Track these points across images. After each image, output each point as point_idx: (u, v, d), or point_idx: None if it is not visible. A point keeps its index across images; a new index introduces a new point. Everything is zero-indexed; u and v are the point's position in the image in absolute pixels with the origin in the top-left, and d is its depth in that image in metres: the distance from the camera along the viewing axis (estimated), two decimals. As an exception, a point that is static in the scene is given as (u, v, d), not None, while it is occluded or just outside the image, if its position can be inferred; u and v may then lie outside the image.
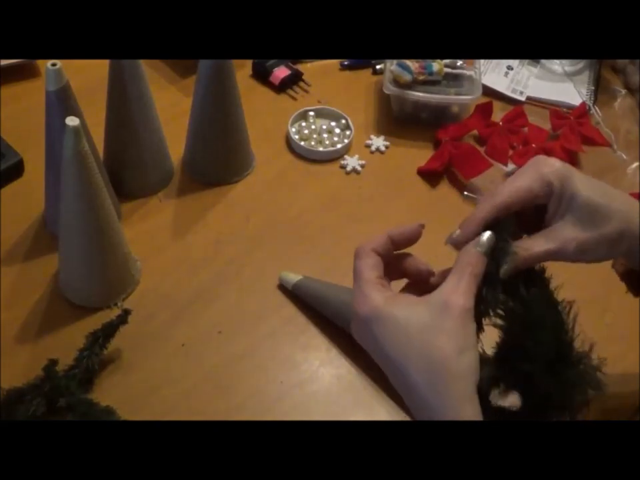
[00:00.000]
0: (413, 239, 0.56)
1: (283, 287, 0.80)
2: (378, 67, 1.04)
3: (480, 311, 0.54)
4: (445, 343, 0.50)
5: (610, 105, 1.03)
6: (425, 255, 0.58)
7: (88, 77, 0.86)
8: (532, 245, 0.55)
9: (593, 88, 1.04)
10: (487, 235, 0.55)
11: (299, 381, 0.73)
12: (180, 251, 0.83)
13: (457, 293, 0.51)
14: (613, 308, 0.80)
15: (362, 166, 0.92)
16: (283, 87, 1.00)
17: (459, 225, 0.56)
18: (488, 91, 1.00)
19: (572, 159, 0.93)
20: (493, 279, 0.54)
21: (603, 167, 0.94)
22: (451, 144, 0.92)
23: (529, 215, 0.58)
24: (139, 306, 0.75)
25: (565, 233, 0.56)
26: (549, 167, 0.56)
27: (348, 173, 0.92)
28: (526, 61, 1.08)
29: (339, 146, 0.93)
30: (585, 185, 0.56)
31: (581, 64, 1.07)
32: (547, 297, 0.56)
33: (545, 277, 0.57)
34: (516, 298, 0.55)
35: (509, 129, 0.96)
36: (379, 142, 0.95)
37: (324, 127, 0.96)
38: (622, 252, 0.58)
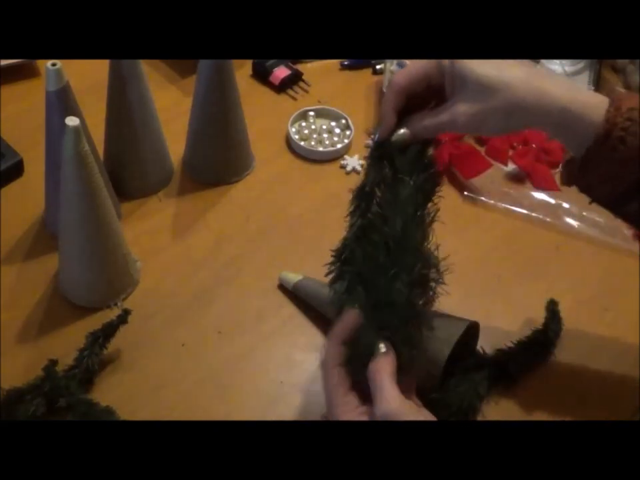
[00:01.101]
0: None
1: (283, 287, 0.80)
2: (378, 67, 1.04)
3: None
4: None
5: (610, 105, 1.03)
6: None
7: (88, 77, 0.86)
8: (425, 117, 0.62)
9: (593, 88, 1.04)
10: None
11: (299, 380, 0.73)
12: (180, 251, 0.83)
13: (383, 403, 0.55)
14: (613, 308, 0.80)
15: (362, 166, 0.92)
16: (283, 87, 1.00)
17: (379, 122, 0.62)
18: (488, 91, 1.00)
19: (572, 158, 0.93)
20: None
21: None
22: (450, 144, 0.92)
23: (431, 100, 0.63)
24: (139, 306, 0.75)
25: (455, 107, 0.61)
26: None
27: (348, 173, 0.92)
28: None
29: (339, 146, 0.93)
30: (474, 62, 0.61)
31: (581, 64, 1.07)
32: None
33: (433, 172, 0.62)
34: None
35: (509, 129, 0.96)
36: (378, 142, 0.95)
37: (324, 127, 0.96)
38: (518, 126, 0.61)
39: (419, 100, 0.63)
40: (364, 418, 0.57)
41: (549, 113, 0.60)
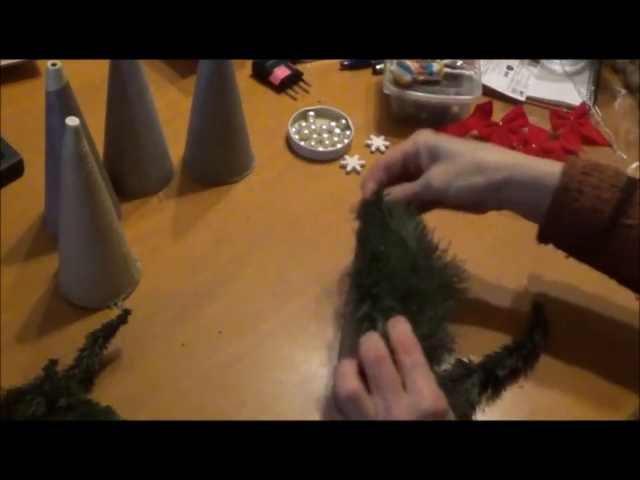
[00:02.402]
0: None
1: (282, 287, 0.80)
2: (378, 67, 1.04)
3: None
4: None
5: (610, 104, 1.03)
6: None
7: (88, 77, 0.86)
8: (405, 187, 0.71)
9: (593, 88, 1.04)
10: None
11: (299, 381, 0.73)
12: (180, 251, 0.83)
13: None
14: (613, 308, 0.80)
15: (362, 166, 0.92)
16: (283, 87, 1.00)
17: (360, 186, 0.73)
18: (488, 91, 1.00)
19: (572, 158, 0.93)
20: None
21: (603, 166, 0.95)
22: (451, 144, 0.92)
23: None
24: (139, 306, 0.75)
25: (429, 171, 0.70)
26: (420, 134, 0.73)
27: (348, 173, 0.92)
28: (526, 61, 1.07)
29: (339, 146, 0.93)
30: (439, 138, 0.72)
31: (581, 64, 1.07)
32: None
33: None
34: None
35: (509, 129, 0.96)
36: (378, 142, 0.95)
37: (324, 127, 0.96)
38: (483, 186, 0.69)
39: (403, 179, 0.73)
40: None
41: (514, 171, 0.68)
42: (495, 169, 0.68)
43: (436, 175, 0.69)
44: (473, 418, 0.70)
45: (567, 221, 0.67)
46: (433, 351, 0.60)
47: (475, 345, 0.74)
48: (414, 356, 0.55)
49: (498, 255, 0.84)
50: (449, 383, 0.70)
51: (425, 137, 0.72)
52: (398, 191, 0.71)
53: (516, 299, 0.80)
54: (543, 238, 0.71)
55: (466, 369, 0.71)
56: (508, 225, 0.87)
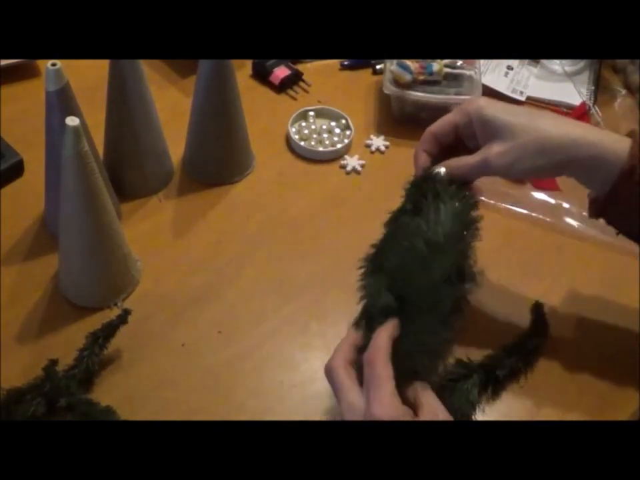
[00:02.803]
0: None
1: (282, 287, 0.80)
2: (378, 67, 1.04)
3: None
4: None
5: (610, 104, 1.03)
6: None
7: (88, 77, 0.86)
8: (461, 158, 0.67)
9: (593, 88, 1.04)
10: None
11: (299, 381, 0.73)
12: (180, 251, 0.83)
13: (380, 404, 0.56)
14: (613, 308, 0.80)
15: (362, 166, 0.92)
16: (283, 87, 1.00)
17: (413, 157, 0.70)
18: (488, 91, 1.00)
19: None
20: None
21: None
22: (451, 144, 0.92)
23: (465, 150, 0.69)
24: (139, 306, 0.75)
25: (488, 147, 0.66)
26: (471, 101, 0.68)
27: (348, 173, 0.92)
28: (526, 61, 1.07)
29: (339, 146, 0.93)
30: (502, 109, 0.67)
31: (581, 64, 1.07)
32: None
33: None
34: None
35: (509, 129, 0.95)
36: (378, 142, 0.95)
37: (324, 126, 0.96)
38: (548, 165, 0.65)
39: (454, 150, 0.69)
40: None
41: (578, 149, 0.64)
42: (558, 147, 0.64)
43: (496, 155, 0.65)
44: (473, 418, 0.70)
45: (629, 204, 0.64)
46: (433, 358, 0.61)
47: (475, 345, 0.74)
48: (374, 369, 0.57)
49: (499, 255, 0.84)
50: (448, 383, 0.70)
51: (476, 107, 0.67)
52: (454, 165, 0.67)
53: (516, 299, 0.80)
54: (596, 214, 0.69)
55: (466, 369, 0.71)
56: (508, 225, 0.87)
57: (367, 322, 0.62)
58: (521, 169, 0.65)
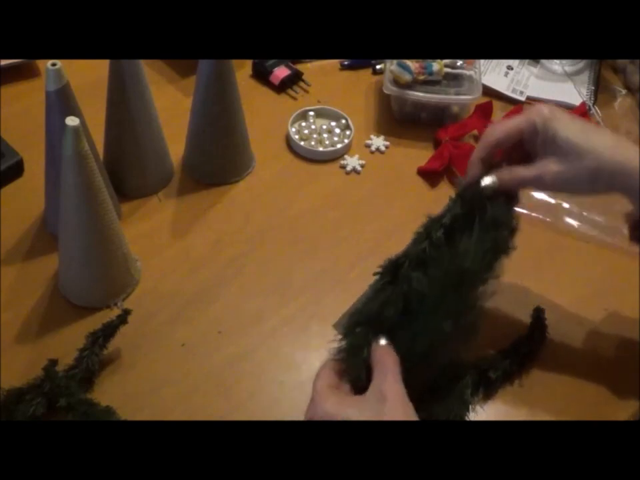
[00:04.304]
0: None
1: (282, 287, 0.80)
2: (378, 67, 1.04)
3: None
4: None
5: (610, 104, 1.03)
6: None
7: (88, 76, 0.86)
8: (515, 170, 0.66)
9: (593, 88, 1.04)
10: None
11: (299, 381, 0.73)
12: (180, 251, 0.83)
13: (387, 383, 0.57)
14: (613, 308, 0.80)
15: (362, 166, 0.92)
16: (283, 87, 1.00)
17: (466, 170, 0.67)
18: (488, 91, 1.00)
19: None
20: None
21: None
22: (451, 144, 0.92)
23: (521, 158, 0.67)
24: (139, 306, 0.75)
25: (544, 164, 0.64)
26: (536, 110, 0.66)
27: (348, 173, 0.92)
28: (526, 61, 1.08)
29: (339, 146, 0.93)
30: (564, 124, 0.64)
31: (580, 64, 1.07)
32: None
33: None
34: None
35: (509, 129, 0.95)
36: (378, 142, 0.95)
37: (324, 127, 0.96)
38: (602, 189, 0.64)
39: (505, 156, 0.68)
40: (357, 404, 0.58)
41: (630, 176, 0.62)
42: (611, 175, 0.63)
43: (552, 174, 0.64)
44: (467, 418, 0.70)
45: None
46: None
47: (474, 346, 0.73)
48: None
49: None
50: (442, 384, 0.70)
51: (543, 117, 0.65)
52: (507, 178, 0.66)
53: (516, 299, 0.80)
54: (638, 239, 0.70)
55: (459, 370, 0.71)
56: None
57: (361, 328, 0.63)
58: (573, 190, 0.66)
